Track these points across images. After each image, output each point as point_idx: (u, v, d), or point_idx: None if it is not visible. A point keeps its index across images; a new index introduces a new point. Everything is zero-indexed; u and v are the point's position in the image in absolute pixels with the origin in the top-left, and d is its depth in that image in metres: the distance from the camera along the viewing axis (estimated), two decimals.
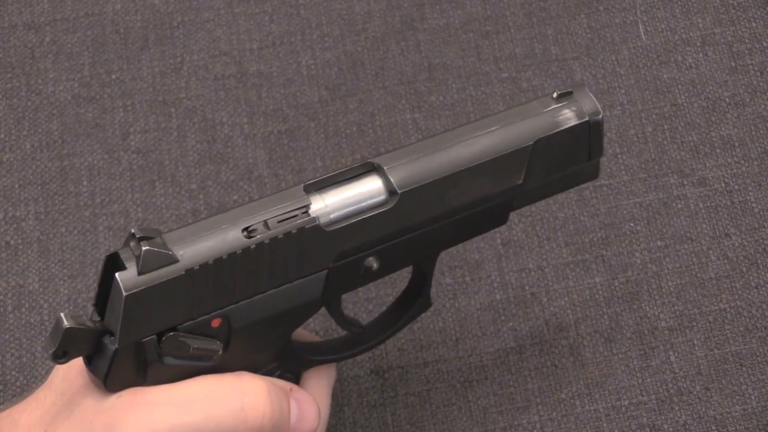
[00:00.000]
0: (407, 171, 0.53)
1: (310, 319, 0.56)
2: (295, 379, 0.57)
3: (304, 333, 0.60)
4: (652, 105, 0.75)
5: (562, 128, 0.56)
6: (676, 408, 0.68)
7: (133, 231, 0.49)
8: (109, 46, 0.77)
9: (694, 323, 0.70)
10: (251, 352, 0.53)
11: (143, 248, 0.48)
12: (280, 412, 0.51)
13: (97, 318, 0.50)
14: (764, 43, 0.77)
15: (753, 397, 0.68)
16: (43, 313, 0.70)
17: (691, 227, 0.72)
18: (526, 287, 0.71)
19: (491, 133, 0.55)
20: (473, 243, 0.71)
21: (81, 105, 0.75)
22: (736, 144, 0.74)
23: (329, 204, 0.52)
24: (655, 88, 0.76)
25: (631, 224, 0.72)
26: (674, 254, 0.71)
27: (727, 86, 0.76)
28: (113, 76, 0.76)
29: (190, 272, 0.49)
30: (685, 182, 0.73)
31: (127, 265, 0.49)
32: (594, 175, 0.60)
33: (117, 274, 0.48)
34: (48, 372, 0.58)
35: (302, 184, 0.53)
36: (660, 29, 0.77)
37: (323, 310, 0.56)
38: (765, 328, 0.70)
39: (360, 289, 0.69)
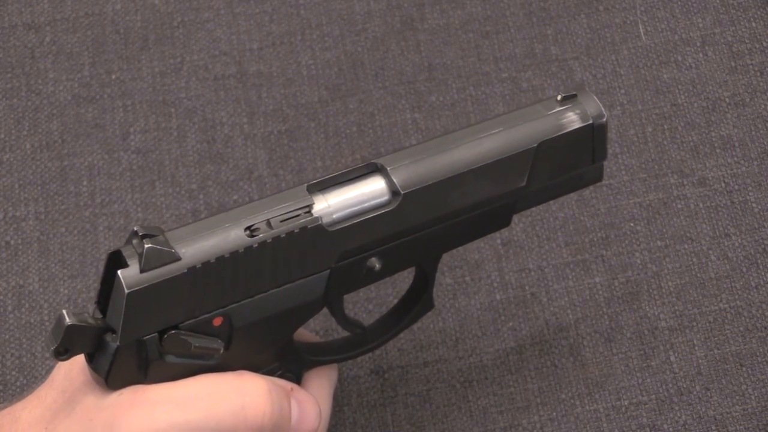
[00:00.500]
0: (410, 172, 0.53)
1: (311, 320, 0.56)
2: (297, 379, 0.57)
3: (305, 333, 0.60)
4: (652, 105, 0.75)
5: (565, 131, 0.56)
6: (676, 408, 0.68)
7: (135, 229, 0.49)
8: (109, 46, 0.77)
9: (694, 323, 0.70)
10: (253, 351, 0.53)
11: (146, 246, 0.48)
12: (281, 411, 0.51)
13: (99, 315, 0.50)
14: (764, 43, 0.77)
15: (753, 397, 0.68)
16: (43, 313, 0.70)
17: (691, 227, 0.72)
18: (526, 287, 0.71)
19: (495, 135, 0.55)
20: (473, 243, 0.70)
21: (81, 105, 0.75)
22: (736, 144, 0.74)
23: (332, 204, 0.52)
24: (655, 88, 0.76)
25: (631, 224, 0.72)
26: (674, 254, 0.71)
27: (727, 86, 0.76)
28: (113, 76, 0.76)
29: (192, 270, 0.49)
30: (685, 182, 0.73)
31: (129, 263, 0.49)
32: (598, 178, 0.59)
33: (119, 272, 0.48)
34: (49, 371, 0.58)
35: (305, 184, 0.53)
36: (660, 29, 0.77)
37: (325, 310, 0.56)
38: (765, 328, 0.70)
39: (361, 289, 0.70)
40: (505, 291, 0.70)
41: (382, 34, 0.77)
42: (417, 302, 0.59)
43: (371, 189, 0.53)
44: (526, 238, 0.72)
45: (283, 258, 0.51)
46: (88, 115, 0.75)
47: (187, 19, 0.78)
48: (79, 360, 0.51)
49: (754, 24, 0.77)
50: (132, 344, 0.49)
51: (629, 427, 0.67)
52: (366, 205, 0.53)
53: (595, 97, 0.57)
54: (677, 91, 0.76)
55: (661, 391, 0.68)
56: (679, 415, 0.67)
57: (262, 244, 0.50)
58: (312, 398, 0.54)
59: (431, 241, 0.55)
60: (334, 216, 0.52)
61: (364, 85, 0.76)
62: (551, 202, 0.71)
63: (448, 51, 0.77)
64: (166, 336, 0.50)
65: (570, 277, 0.71)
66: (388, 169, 0.53)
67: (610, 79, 0.76)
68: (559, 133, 0.56)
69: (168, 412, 0.48)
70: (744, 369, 0.69)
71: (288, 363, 0.56)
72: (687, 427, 0.67)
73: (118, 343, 0.49)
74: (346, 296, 0.57)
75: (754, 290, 0.70)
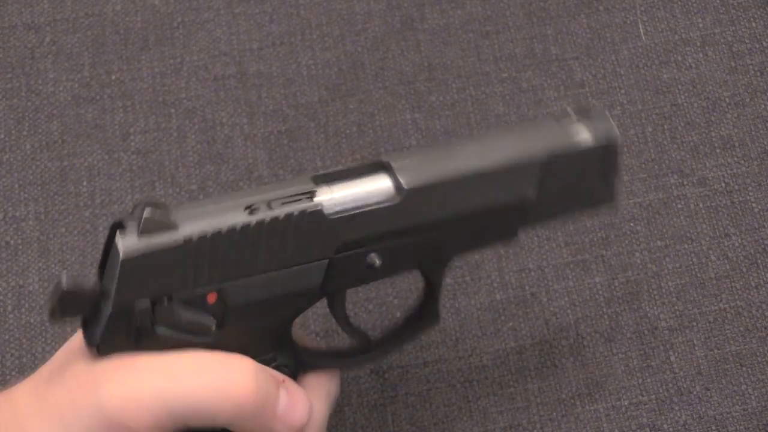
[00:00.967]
0: (416, 170, 0.54)
1: (312, 322, 0.55)
2: (292, 374, 0.56)
3: (307, 338, 0.60)
4: (652, 105, 0.75)
5: (578, 148, 0.56)
6: (676, 408, 0.68)
7: (139, 199, 0.49)
8: (109, 47, 0.77)
9: (694, 323, 0.70)
10: (247, 335, 0.53)
11: (144, 214, 0.49)
12: (266, 395, 0.51)
13: (98, 283, 0.51)
14: (764, 43, 0.77)
15: (753, 397, 0.68)
16: (44, 313, 0.70)
17: (691, 227, 0.72)
18: (526, 287, 0.71)
19: (504, 143, 0.56)
20: None
21: (81, 105, 0.75)
22: (736, 144, 0.74)
23: (335, 195, 0.53)
24: (655, 88, 0.76)
25: (631, 224, 0.72)
26: (674, 254, 0.71)
27: (727, 86, 0.76)
28: (113, 77, 0.76)
29: (188, 241, 0.50)
30: (685, 182, 0.73)
31: (129, 231, 0.50)
32: (610, 198, 0.59)
33: (117, 237, 0.49)
34: None
35: (311, 174, 0.53)
36: (660, 29, 0.77)
37: (327, 311, 0.56)
38: (765, 328, 0.70)
39: (360, 289, 0.69)
40: (505, 291, 0.70)
41: (382, 34, 0.77)
42: (422, 314, 0.59)
43: (376, 184, 0.54)
44: (526, 238, 0.72)
45: (281, 240, 0.52)
46: (88, 116, 0.75)
47: (187, 20, 0.78)
48: (79, 336, 0.52)
49: (754, 24, 0.77)
50: (124, 312, 0.50)
51: (629, 427, 0.67)
52: (369, 198, 0.53)
53: (609, 116, 0.57)
54: (677, 91, 0.76)
55: (661, 391, 0.68)
56: (679, 415, 0.68)
57: (260, 223, 0.51)
58: (304, 393, 0.54)
59: (434, 243, 0.55)
60: (336, 206, 0.53)
61: (364, 85, 0.76)
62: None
63: (448, 51, 0.77)
64: (157, 305, 0.50)
65: (570, 277, 0.71)
66: (394, 166, 0.54)
67: (610, 79, 0.76)
68: (571, 149, 0.56)
69: (153, 381, 0.49)
70: (744, 369, 0.69)
71: (284, 356, 0.56)
72: (687, 427, 0.67)
73: (110, 309, 0.49)
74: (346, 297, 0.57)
75: (754, 290, 0.71)
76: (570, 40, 0.77)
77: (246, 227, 0.51)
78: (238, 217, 0.51)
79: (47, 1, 0.78)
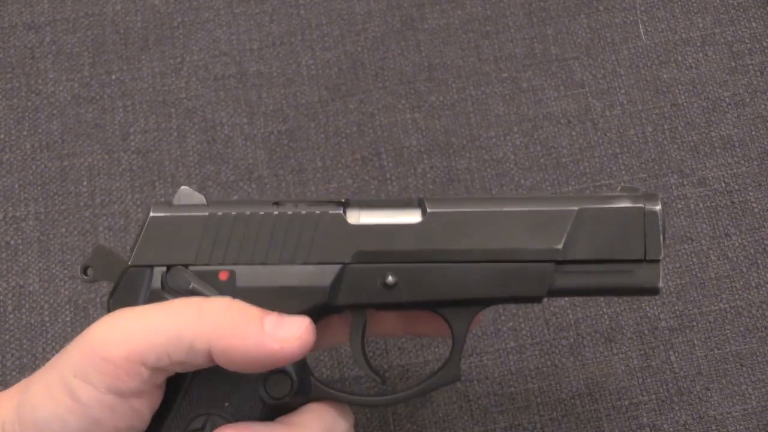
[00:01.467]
0: (444, 201, 0.55)
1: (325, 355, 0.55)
2: (290, 380, 0.55)
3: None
4: (652, 105, 0.75)
5: (611, 205, 0.55)
6: (676, 408, 0.68)
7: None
8: (109, 47, 0.77)
9: (694, 323, 0.70)
10: None
11: (181, 186, 0.56)
12: (241, 312, 0.51)
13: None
14: (764, 43, 0.77)
15: (753, 397, 0.68)
16: (44, 313, 0.70)
17: (691, 227, 0.72)
18: None
19: (537, 197, 0.56)
20: None
21: (81, 105, 0.75)
22: (736, 144, 0.74)
23: (363, 214, 0.55)
24: (655, 88, 0.76)
25: None
26: (674, 254, 0.71)
27: (727, 86, 0.76)
28: (113, 77, 0.76)
29: (213, 216, 0.54)
30: (685, 182, 0.73)
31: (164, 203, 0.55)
32: (653, 282, 0.55)
33: (152, 202, 0.54)
34: None
35: (344, 198, 0.56)
36: (660, 29, 0.77)
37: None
38: (765, 328, 0.70)
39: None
40: None
41: (382, 34, 0.77)
42: (443, 367, 0.57)
43: (403, 210, 0.55)
44: None
45: (300, 235, 0.54)
46: (88, 115, 0.75)
47: (187, 19, 0.78)
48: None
49: (754, 24, 0.77)
50: (141, 270, 0.54)
51: (629, 427, 0.67)
52: (393, 216, 0.55)
53: (657, 194, 0.56)
54: (677, 91, 0.76)
55: (661, 391, 0.68)
56: (679, 415, 0.68)
57: (282, 214, 0.54)
58: (300, 317, 0.53)
59: (453, 279, 0.55)
60: (360, 219, 0.55)
61: (364, 85, 0.76)
62: None
63: (448, 51, 0.77)
64: (172, 271, 0.54)
65: None
66: (426, 199, 0.55)
67: (610, 79, 0.76)
68: (603, 205, 0.55)
69: (135, 318, 0.51)
70: (744, 369, 0.69)
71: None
72: (687, 427, 0.67)
73: (129, 263, 0.54)
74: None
75: (754, 290, 0.71)
76: (570, 40, 0.77)
77: (268, 215, 0.54)
78: (263, 207, 0.55)
79: (47, 1, 0.78)
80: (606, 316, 0.70)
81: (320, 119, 0.75)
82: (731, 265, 0.71)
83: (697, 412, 0.68)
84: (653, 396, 0.68)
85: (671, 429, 0.67)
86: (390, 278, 0.54)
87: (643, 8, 0.78)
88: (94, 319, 0.57)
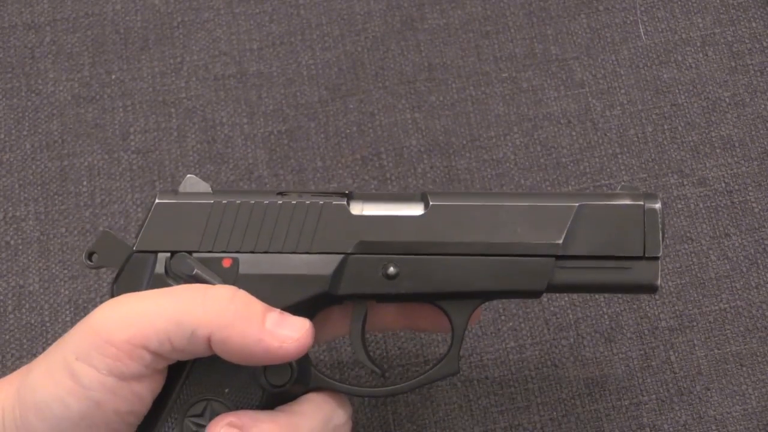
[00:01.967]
0: (446, 194, 0.56)
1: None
2: (290, 368, 0.55)
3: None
4: (652, 105, 0.75)
5: (611, 202, 0.55)
6: (676, 408, 0.68)
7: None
8: (109, 46, 0.77)
9: (694, 323, 0.70)
10: None
11: (188, 175, 0.56)
12: (245, 305, 0.52)
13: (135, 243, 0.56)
14: (764, 43, 0.77)
15: (753, 397, 0.68)
16: (44, 314, 0.70)
17: (691, 227, 0.72)
18: None
19: (538, 193, 0.57)
20: None
21: (81, 105, 0.75)
22: (736, 144, 0.74)
23: (366, 206, 0.56)
24: (655, 88, 0.76)
25: None
26: (674, 254, 0.71)
27: (727, 86, 0.76)
28: (113, 76, 0.76)
29: (218, 204, 0.55)
30: (685, 182, 0.73)
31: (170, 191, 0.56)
32: (651, 279, 0.55)
33: (158, 189, 0.54)
34: None
35: (348, 191, 0.56)
36: (660, 29, 0.77)
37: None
38: (765, 328, 0.70)
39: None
40: None
41: (382, 34, 0.77)
42: (441, 359, 0.58)
43: (407, 203, 0.56)
44: None
45: (303, 225, 0.55)
46: (88, 115, 0.75)
47: (187, 19, 0.78)
48: None
49: (754, 24, 0.77)
50: (145, 256, 0.55)
51: (629, 427, 0.67)
52: (395, 209, 0.55)
53: (657, 193, 0.57)
54: (677, 91, 0.76)
55: (661, 391, 0.68)
56: (679, 415, 0.68)
57: (286, 204, 0.55)
58: (303, 318, 0.53)
59: (454, 272, 0.55)
60: (363, 210, 0.55)
61: (364, 85, 0.76)
62: None
63: (448, 51, 0.77)
64: (176, 257, 0.54)
65: None
66: (428, 192, 0.56)
67: (610, 79, 0.76)
68: (604, 202, 0.55)
69: (137, 303, 0.52)
70: (744, 369, 0.69)
71: None
72: (687, 427, 0.67)
73: (134, 248, 0.55)
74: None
75: (754, 290, 0.71)
76: (570, 40, 0.77)
77: (272, 204, 0.55)
78: (268, 197, 0.55)
79: (47, 1, 0.78)
80: (606, 316, 0.70)
81: (320, 119, 0.75)
82: (731, 265, 0.71)
83: (697, 412, 0.68)
84: (653, 396, 0.68)
85: (671, 429, 0.67)
86: (391, 269, 0.55)
87: (643, 8, 0.78)
88: None
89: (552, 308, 0.70)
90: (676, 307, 0.70)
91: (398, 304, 0.59)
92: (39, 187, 0.73)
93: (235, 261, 0.54)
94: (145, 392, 0.52)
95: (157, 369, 0.52)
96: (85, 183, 0.73)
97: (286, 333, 0.52)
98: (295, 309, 0.54)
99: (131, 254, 0.54)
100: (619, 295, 0.70)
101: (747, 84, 0.76)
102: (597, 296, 0.70)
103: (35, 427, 0.51)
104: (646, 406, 0.68)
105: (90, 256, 0.55)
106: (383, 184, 0.73)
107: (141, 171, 0.73)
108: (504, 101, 0.75)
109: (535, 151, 0.74)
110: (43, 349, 0.69)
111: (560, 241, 0.55)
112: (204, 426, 0.53)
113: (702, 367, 0.69)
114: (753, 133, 0.75)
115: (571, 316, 0.70)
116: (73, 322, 0.69)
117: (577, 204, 0.55)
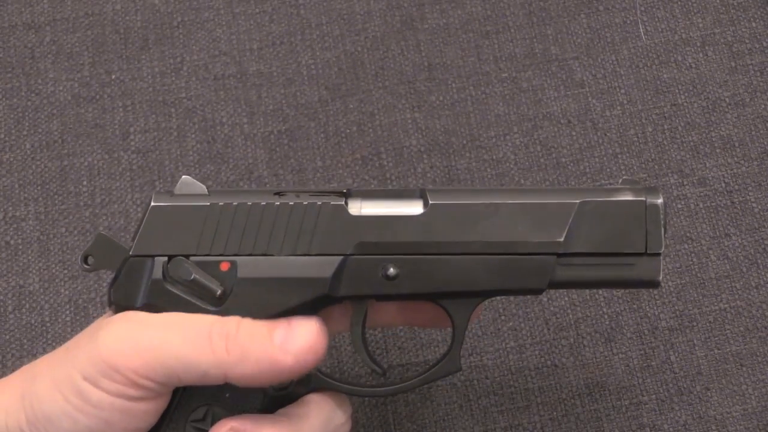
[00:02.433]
0: (446, 192, 0.55)
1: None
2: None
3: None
4: (652, 105, 0.75)
5: (612, 198, 0.55)
6: (676, 408, 0.68)
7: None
8: (109, 46, 0.77)
9: (694, 323, 0.70)
10: (251, 310, 0.54)
11: (182, 176, 0.55)
12: (249, 338, 0.51)
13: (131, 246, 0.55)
14: (764, 43, 0.77)
15: (753, 397, 0.68)
16: (44, 314, 0.70)
17: (691, 227, 0.72)
18: None
19: (539, 189, 0.56)
20: None
21: (81, 105, 0.75)
22: (736, 144, 0.74)
23: (365, 204, 0.55)
24: (655, 88, 0.76)
25: None
26: (674, 254, 0.71)
27: (727, 86, 0.76)
28: (113, 76, 0.76)
29: (214, 206, 0.54)
30: (685, 182, 0.73)
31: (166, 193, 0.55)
32: (653, 275, 0.55)
33: (153, 192, 0.53)
34: None
35: (345, 189, 0.56)
36: (660, 29, 0.77)
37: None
38: (765, 328, 0.70)
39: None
40: None
41: (382, 34, 0.77)
42: (442, 357, 0.57)
43: (406, 201, 0.55)
44: None
45: (301, 227, 0.54)
46: (88, 115, 0.75)
47: (187, 19, 0.78)
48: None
49: (754, 24, 0.77)
50: (142, 260, 0.54)
51: (629, 427, 0.67)
52: (395, 208, 0.55)
53: (658, 187, 0.56)
54: (677, 91, 0.76)
55: (661, 391, 0.68)
56: (679, 415, 0.68)
57: (284, 205, 0.54)
58: (308, 319, 0.53)
59: (455, 271, 0.55)
60: (362, 209, 0.55)
61: (364, 85, 0.76)
62: None
63: (448, 51, 0.77)
64: (173, 261, 0.53)
65: None
66: (428, 190, 0.55)
67: (610, 79, 0.76)
68: (605, 198, 0.55)
69: (146, 330, 0.51)
70: (744, 369, 0.69)
71: None
72: (687, 427, 0.67)
73: (130, 252, 0.54)
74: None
75: (754, 290, 0.71)
76: (570, 40, 0.77)
77: (270, 206, 0.54)
78: (265, 197, 0.54)
79: (47, 1, 0.78)
80: (606, 316, 0.70)
81: (320, 119, 0.75)
82: (731, 265, 0.71)
83: (697, 412, 0.68)
84: (653, 396, 0.68)
85: (671, 429, 0.67)
86: (391, 270, 0.54)
87: (643, 8, 0.78)
88: (94, 319, 0.57)
89: (552, 308, 0.70)
90: (676, 307, 0.70)
91: (398, 302, 0.59)
92: (39, 187, 0.73)
93: (234, 264, 0.54)
94: (153, 409, 0.52)
95: (166, 391, 0.52)
96: (85, 183, 0.73)
97: (298, 344, 0.52)
98: (296, 311, 0.54)
99: (127, 258, 0.54)
100: (619, 295, 0.70)
101: (747, 84, 0.76)
102: (597, 296, 0.70)
103: None
104: (646, 406, 0.68)
105: (86, 259, 0.55)
106: (383, 184, 0.73)
107: (141, 171, 0.73)
108: (504, 101, 0.75)
109: (535, 151, 0.74)
110: (44, 350, 0.69)
111: (561, 239, 0.55)
112: (206, 431, 0.53)
113: (702, 367, 0.69)
114: (753, 133, 0.75)
115: (571, 316, 0.70)
116: (73, 322, 0.69)
117: (578, 201, 0.55)
